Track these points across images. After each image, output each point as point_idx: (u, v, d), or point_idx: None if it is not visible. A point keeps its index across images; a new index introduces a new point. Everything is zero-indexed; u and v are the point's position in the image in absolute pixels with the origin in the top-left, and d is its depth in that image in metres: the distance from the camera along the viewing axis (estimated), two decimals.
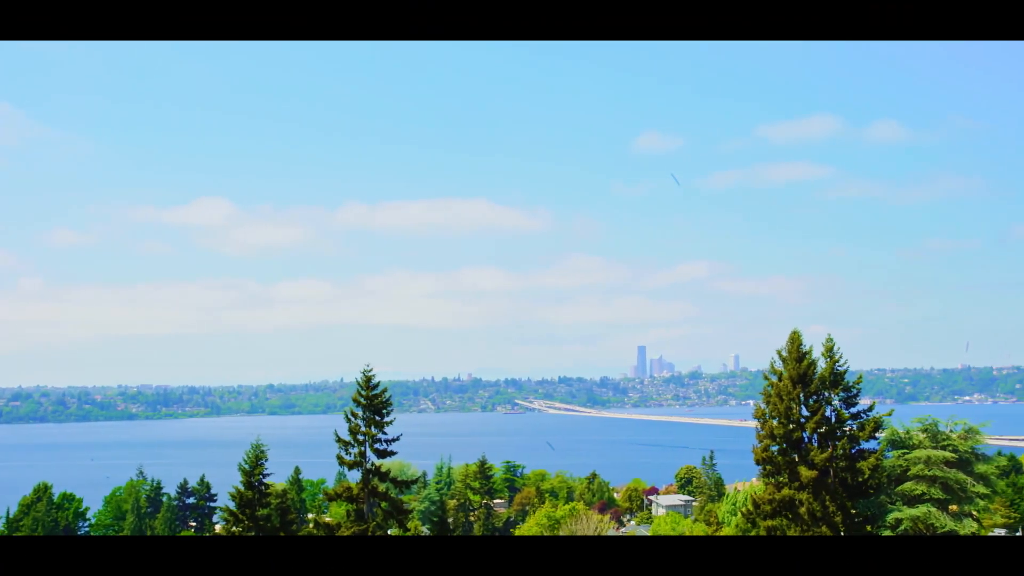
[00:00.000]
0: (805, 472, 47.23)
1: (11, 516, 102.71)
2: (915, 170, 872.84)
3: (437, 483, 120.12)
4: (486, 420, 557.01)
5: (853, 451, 48.55)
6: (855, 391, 49.49)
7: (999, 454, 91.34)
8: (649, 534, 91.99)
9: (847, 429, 48.79)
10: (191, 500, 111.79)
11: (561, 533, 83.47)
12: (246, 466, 52.29)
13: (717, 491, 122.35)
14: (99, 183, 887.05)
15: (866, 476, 47.45)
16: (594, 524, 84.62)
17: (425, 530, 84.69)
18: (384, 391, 51.49)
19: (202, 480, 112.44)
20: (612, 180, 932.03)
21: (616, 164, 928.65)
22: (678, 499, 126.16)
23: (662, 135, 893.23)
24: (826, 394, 49.03)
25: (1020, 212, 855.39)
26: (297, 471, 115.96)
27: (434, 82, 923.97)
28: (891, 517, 44.24)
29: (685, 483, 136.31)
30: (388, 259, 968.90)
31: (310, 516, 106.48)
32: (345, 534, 47.95)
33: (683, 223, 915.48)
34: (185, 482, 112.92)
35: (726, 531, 79.87)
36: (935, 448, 45.73)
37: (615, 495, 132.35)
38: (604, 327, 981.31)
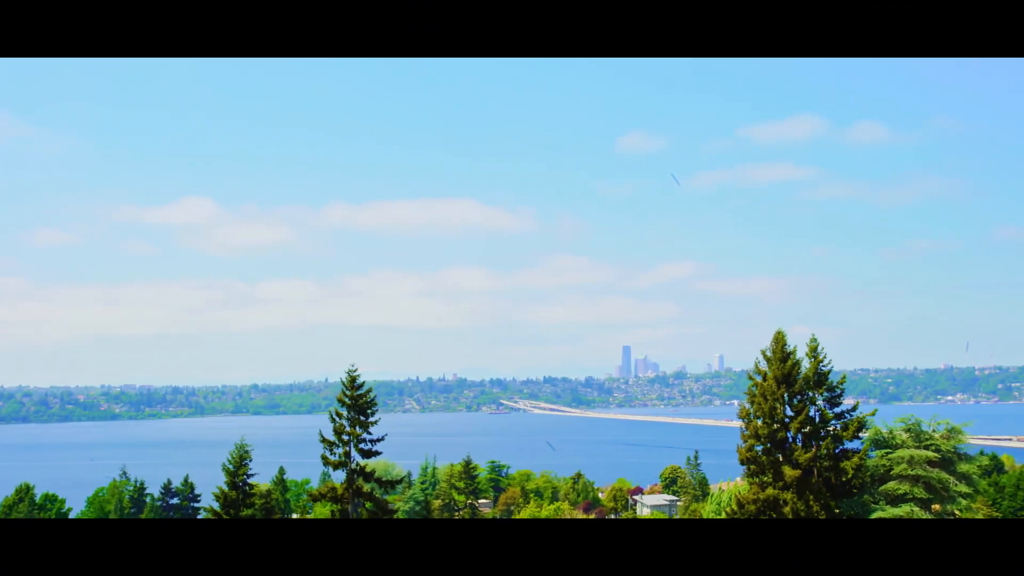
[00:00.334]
0: (789, 472, 47.53)
1: None
2: (898, 171, 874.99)
3: (422, 483, 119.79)
4: (471, 420, 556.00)
5: (837, 451, 48.93)
6: (839, 391, 49.87)
7: (981, 453, 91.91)
8: None
9: (831, 429, 49.17)
10: (175, 500, 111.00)
11: None
12: (230, 466, 52.15)
13: (701, 491, 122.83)
14: (82, 183, 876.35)
15: (850, 476, 47.82)
16: None
17: None
18: (369, 391, 51.49)
19: (186, 480, 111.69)
20: (597, 180, 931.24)
21: (601, 164, 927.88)
22: (663, 499, 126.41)
23: (646, 135, 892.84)
24: (810, 394, 49.39)
25: (1003, 213, 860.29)
26: (281, 471, 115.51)
27: (420, 83, 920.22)
28: (874, 516, 44.54)
29: (670, 483, 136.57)
30: (373, 259, 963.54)
31: (295, 516, 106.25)
32: None
33: (668, 223, 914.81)
34: (169, 482, 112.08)
35: None
36: (918, 448, 46.12)
37: (600, 495, 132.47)
38: (589, 327, 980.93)
